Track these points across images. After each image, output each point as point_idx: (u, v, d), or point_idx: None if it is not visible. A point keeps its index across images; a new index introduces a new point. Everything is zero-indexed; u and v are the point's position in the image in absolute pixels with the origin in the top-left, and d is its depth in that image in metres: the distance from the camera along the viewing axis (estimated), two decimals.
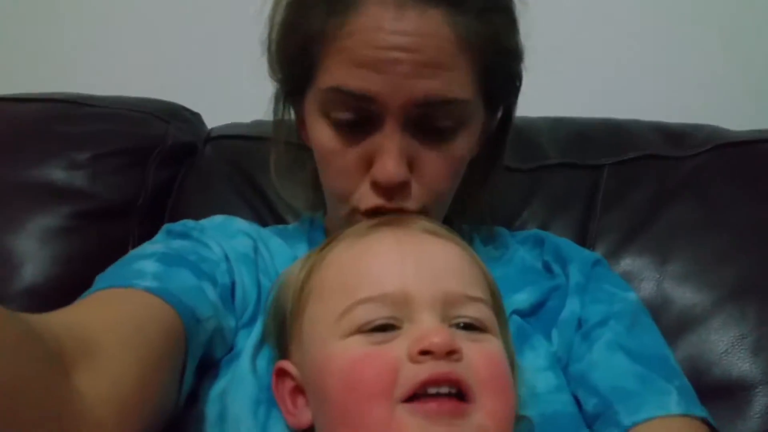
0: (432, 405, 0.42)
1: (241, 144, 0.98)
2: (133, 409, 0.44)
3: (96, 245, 0.88)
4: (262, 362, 0.55)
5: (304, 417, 0.49)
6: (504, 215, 0.80)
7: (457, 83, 0.56)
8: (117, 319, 0.48)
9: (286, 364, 0.51)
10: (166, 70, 1.18)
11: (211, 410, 0.54)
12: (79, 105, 0.97)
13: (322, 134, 0.59)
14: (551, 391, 0.56)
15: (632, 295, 0.65)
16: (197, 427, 0.54)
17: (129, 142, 0.95)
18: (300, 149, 0.71)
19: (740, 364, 0.74)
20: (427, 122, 0.57)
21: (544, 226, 0.85)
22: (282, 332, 0.53)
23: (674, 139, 0.89)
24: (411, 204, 0.58)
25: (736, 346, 0.75)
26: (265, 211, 0.92)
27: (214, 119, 1.06)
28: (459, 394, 0.43)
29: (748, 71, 1.08)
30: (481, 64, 0.58)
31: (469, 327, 0.47)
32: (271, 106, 0.70)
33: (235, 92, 1.08)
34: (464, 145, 0.60)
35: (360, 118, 0.57)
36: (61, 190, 0.89)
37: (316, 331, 0.49)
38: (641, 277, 0.80)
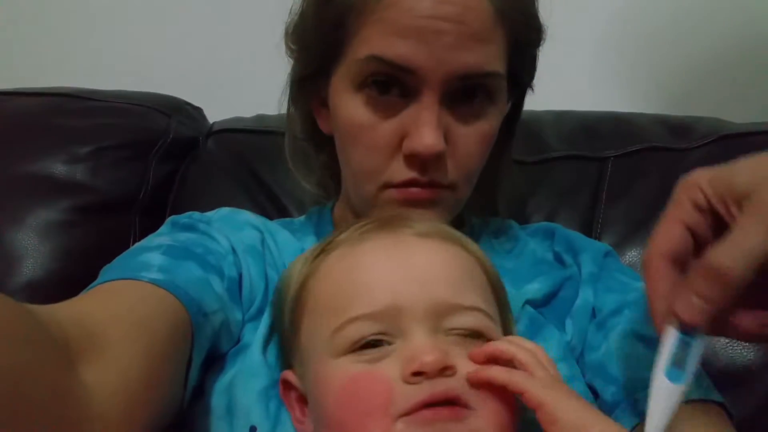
0: (427, 413, 0.42)
1: (243, 138, 0.98)
2: (138, 402, 0.44)
3: (97, 240, 0.88)
4: (271, 354, 0.55)
5: (310, 426, 0.49)
6: (509, 208, 0.80)
7: (494, 56, 0.57)
8: (123, 311, 0.47)
9: (289, 375, 0.51)
10: (168, 65, 1.17)
11: (217, 403, 0.53)
12: (81, 99, 0.97)
13: (353, 109, 0.58)
14: (564, 381, 0.56)
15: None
16: (203, 420, 0.53)
17: (130, 136, 0.94)
18: (304, 142, 0.71)
19: (745, 352, 0.75)
20: (462, 95, 0.57)
21: (549, 219, 0.85)
22: (285, 342, 0.53)
23: (678, 131, 0.89)
24: (443, 178, 0.58)
25: None
26: (268, 205, 0.92)
27: (216, 114, 1.06)
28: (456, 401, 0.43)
29: (750, 63, 1.08)
30: (511, 39, 0.58)
31: (465, 335, 0.47)
32: (283, 96, 0.69)
33: (237, 87, 1.08)
34: (494, 122, 0.60)
35: (395, 88, 0.56)
36: (62, 183, 0.89)
37: (313, 347, 0.48)
38: None
